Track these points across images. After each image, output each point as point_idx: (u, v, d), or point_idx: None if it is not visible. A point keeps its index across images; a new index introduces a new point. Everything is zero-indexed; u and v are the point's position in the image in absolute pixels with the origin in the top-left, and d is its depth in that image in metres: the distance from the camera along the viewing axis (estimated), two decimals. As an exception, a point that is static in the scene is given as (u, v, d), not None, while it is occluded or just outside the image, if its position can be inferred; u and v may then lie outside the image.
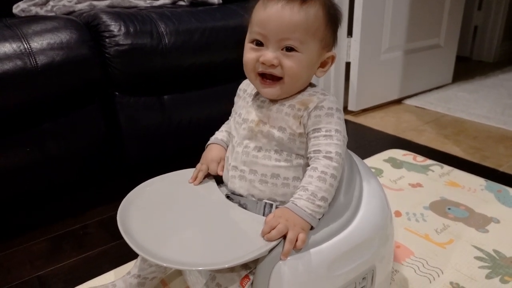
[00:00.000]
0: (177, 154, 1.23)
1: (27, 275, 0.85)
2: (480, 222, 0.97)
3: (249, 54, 0.63)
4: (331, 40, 0.64)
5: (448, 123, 1.65)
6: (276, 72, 0.61)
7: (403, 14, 1.77)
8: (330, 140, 0.61)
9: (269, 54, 0.60)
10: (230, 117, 0.79)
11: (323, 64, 0.66)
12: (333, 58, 0.66)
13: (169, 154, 1.22)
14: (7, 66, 0.87)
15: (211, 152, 0.74)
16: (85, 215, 1.05)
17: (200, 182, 0.72)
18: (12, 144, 0.94)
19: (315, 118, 0.62)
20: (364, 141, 1.51)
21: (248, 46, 0.64)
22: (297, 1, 0.59)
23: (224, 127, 0.79)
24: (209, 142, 0.77)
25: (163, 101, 1.16)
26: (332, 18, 0.63)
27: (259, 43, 0.62)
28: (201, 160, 0.74)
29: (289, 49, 0.60)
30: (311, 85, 0.67)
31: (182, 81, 1.19)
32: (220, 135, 0.77)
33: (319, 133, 0.62)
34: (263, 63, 0.61)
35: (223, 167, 0.71)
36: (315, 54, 0.63)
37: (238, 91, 0.75)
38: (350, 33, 1.68)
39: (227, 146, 0.74)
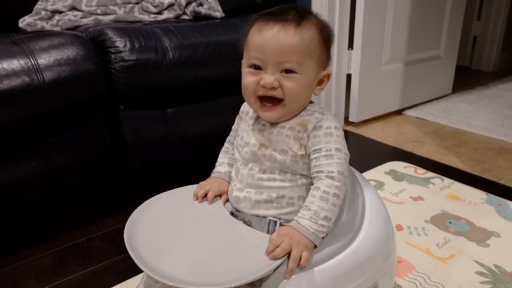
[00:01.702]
0: (181, 166, 1.24)
1: (32, 289, 0.86)
2: (481, 236, 0.98)
3: (249, 78, 0.64)
4: (326, 59, 0.66)
5: (449, 135, 1.66)
6: (277, 94, 0.62)
7: (403, 26, 1.79)
8: (331, 160, 0.62)
9: (269, 77, 0.61)
10: (230, 136, 0.80)
11: (319, 82, 0.67)
12: (328, 76, 0.68)
13: (173, 166, 1.24)
14: (15, 82, 0.89)
15: (217, 181, 0.74)
16: (90, 228, 1.06)
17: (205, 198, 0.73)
18: (18, 157, 0.95)
19: (314, 138, 0.63)
20: (365, 153, 1.52)
21: (246, 70, 0.64)
22: (292, 25, 0.61)
23: (225, 158, 0.78)
24: (214, 175, 0.77)
25: (167, 115, 1.17)
26: (326, 38, 0.64)
27: (257, 67, 0.63)
28: (206, 181, 0.75)
29: (288, 71, 0.61)
30: (310, 102, 0.68)
31: (186, 95, 1.20)
32: (222, 169, 0.76)
33: (320, 154, 0.62)
34: (263, 86, 0.62)
35: (226, 200, 0.72)
36: (313, 74, 0.64)
37: (240, 112, 0.76)
38: (351, 45, 1.69)
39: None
